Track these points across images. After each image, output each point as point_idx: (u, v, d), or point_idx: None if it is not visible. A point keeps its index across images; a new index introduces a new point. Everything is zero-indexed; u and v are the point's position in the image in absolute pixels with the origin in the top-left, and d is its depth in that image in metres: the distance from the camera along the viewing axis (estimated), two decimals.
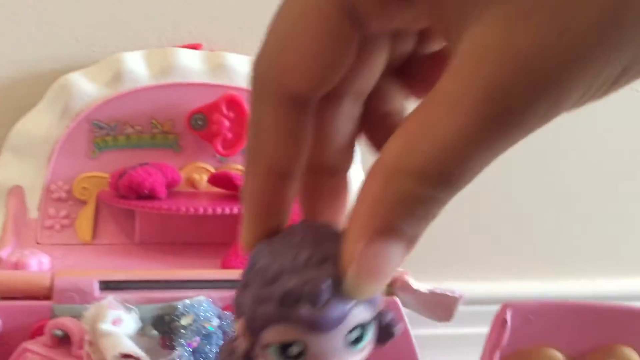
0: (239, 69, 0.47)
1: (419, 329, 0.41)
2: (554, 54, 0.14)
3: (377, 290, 0.18)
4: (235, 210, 0.44)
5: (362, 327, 0.20)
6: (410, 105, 0.20)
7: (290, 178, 0.20)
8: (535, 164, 0.61)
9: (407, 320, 0.39)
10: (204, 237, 0.46)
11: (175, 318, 0.33)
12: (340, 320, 0.19)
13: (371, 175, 0.17)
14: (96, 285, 0.34)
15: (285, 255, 0.20)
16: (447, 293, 0.38)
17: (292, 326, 0.19)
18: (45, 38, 0.50)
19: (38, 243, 0.45)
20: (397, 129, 0.17)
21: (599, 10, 0.13)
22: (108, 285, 0.34)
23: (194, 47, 0.50)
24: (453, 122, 0.15)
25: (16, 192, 0.47)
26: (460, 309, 0.39)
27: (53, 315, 0.33)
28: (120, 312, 0.32)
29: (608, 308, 0.36)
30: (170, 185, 0.47)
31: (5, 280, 0.34)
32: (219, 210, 0.43)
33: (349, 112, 0.20)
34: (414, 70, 0.20)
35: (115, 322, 0.31)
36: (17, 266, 0.37)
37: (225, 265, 0.40)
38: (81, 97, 0.46)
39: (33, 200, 0.47)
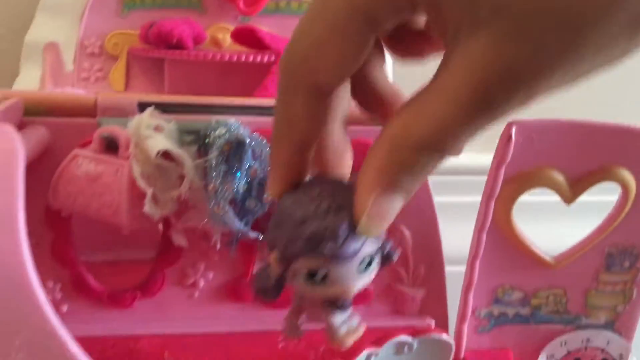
0: None
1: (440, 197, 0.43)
2: (527, 66, 0.19)
3: (382, 230, 0.25)
4: (259, 59, 0.46)
5: (370, 256, 0.26)
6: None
7: (311, 146, 0.26)
8: None
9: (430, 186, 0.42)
10: (230, 87, 0.49)
11: (209, 131, 0.36)
12: (354, 253, 0.26)
13: (378, 143, 0.23)
14: (136, 106, 0.37)
15: (309, 204, 0.26)
16: None
17: (318, 258, 0.26)
18: None
19: None
20: (399, 108, 0.23)
21: (555, 42, 0.19)
22: (147, 108, 0.38)
23: None
24: (448, 108, 0.21)
25: (52, 48, 0.50)
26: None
27: (99, 127, 0.36)
28: (160, 122, 0.35)
29: (607, 127, 0.38)
30: (196, 40, 0.49)
31: (52, 98, 0.37)
32: (243, 58, 0.46)
33: (347, 88, 0.26)
34: (397, 40, 0.26)
35: (157, 128, 0.35)
36: None
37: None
38: None
39: (68, 55, 0.50)
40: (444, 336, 0.39)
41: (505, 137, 0.38)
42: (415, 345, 0.38)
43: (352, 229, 0.25)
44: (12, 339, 0.26)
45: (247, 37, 0.49)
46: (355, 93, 0.27)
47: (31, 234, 0.27)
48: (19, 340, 0.26)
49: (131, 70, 0.49)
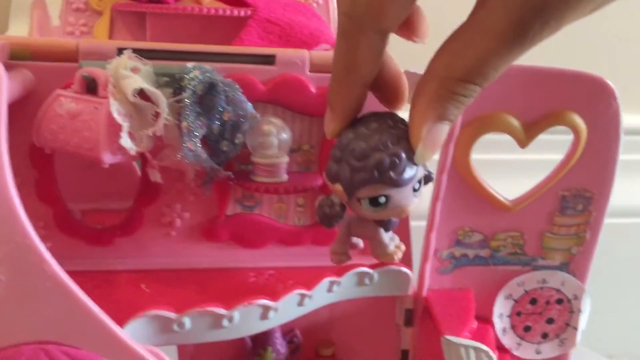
0: None
1: None
2: (552, 8, 0.23)
3: (434, 155, 0.29)
4: (236, 14, 0.48)
5: (420, 180, 0.31)
6: None
7: (368, 86, 0.30)
8: None
9: None
10: (208, 40, 0.50)
11: (184, 74, 0.38)
12: (412, 179, 0.30)
13: (425, 81, 0.27)
14: (116, 51, 0.39)
15: (369, 138, 0.29)
16: None
17: (381, 185, 0.30)
18: None
19: None
20: (443, 44, 0.26)
21: None
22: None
23: None
24: (490, 42, 0.24)
25: (39, 4, 0.52)
26: None
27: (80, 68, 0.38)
28: (137, 64, 0.37)
29: (557, 73, 0.41)
30: None
31: (37, 42, 0.39)
32: (221, 12, 0.48)
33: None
34: None
35: (134, 70, 0.37)
36: None
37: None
38: None
39: (55, 11, 0.52)
40: (403, 268, 0.42)
41: None
42: (375, 276, 0.41)
43: (410, 157, 0.29)
44: None
45: None
46: None
47: (16, 174, 0.29)
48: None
49: (115, 25, 0.51)
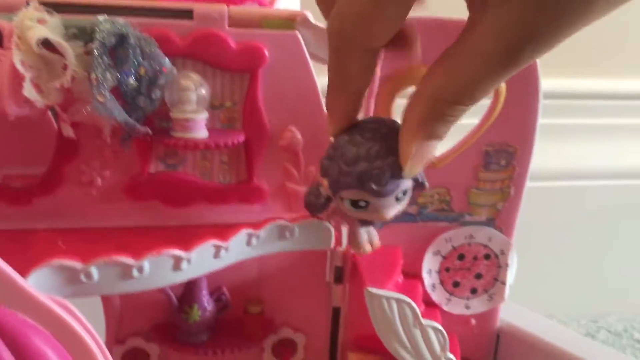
0: None
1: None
2: (548, 29, 0.24)
3: (420, 170, 0.30)
4: None
5: (405, 191, 0.33)
6: None
7: (364, 94, 0.31)
8: None
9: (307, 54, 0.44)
10: None
11: (95, 26, 0.38)
12: (394, 190, 0.32)
13: (416, 101, 0.28)
14: (24, 4, 0.38)
15: (361, 146, 0.31)
16: None
17: (363, 192, 0.31)
18: None
19: None
20: (434, 65, 0.27)
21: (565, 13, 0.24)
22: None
23: None
24: (481, 67, 0.25)
25: None
26: None
27: None
28: (44, 15, 0.36)
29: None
30: None
31: None
32: None
33: None
34: None
35: (40, 21, 0.36)
36: None
37: None
38: None
39: None
40: (324, 221, 0.42)
41: None
42: (295, 230, 0.41)
43: (395, 171, 0.30)
44: None
45: None
46: None
47: None
48: None
49: None
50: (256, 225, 0.40)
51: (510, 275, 0.50)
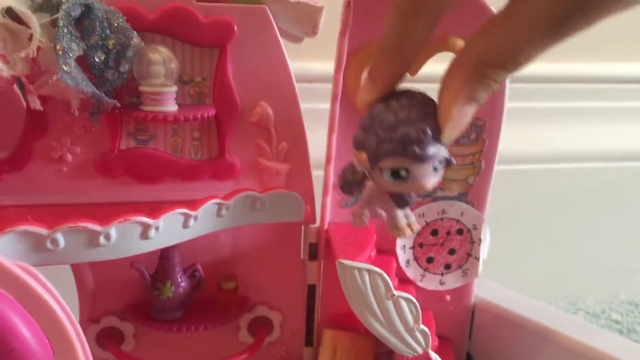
0: None
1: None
2: (592, 5, 0.24)
3: (459, 135, 0.30)
4: None
5: (440, 160, 0.32)
6: None
7: (414, 60, 0.30)
8: None
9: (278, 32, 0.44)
10: None
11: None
12: (434, 156, 0.31)
13: (459, 64, 0.28)
14: None
15: (400, 111, 0.30)
16: (311, 3, 0.43)
17: (403, 158, 0.31)
18: None
19: None
20: (479, 29, 0.27)
21: None
22: None
23: None
24: (527, 32, 0.25)
25: None
26: None
27: None
28: None
29: None
30: None
31: None
32: None
33: None
34: None
35: None
36: None
37: None
38: None
39: None
40: (293, 192, 0.42)
41: (345, 3, 0.40)
42: (266, 200, 0.41)
43: (435, 134, 0.30)
44: None
45: None
46: None
47: None
48: None
49: None
50: (226, 196, 0.40)
51: (484, 251, 0.51)
